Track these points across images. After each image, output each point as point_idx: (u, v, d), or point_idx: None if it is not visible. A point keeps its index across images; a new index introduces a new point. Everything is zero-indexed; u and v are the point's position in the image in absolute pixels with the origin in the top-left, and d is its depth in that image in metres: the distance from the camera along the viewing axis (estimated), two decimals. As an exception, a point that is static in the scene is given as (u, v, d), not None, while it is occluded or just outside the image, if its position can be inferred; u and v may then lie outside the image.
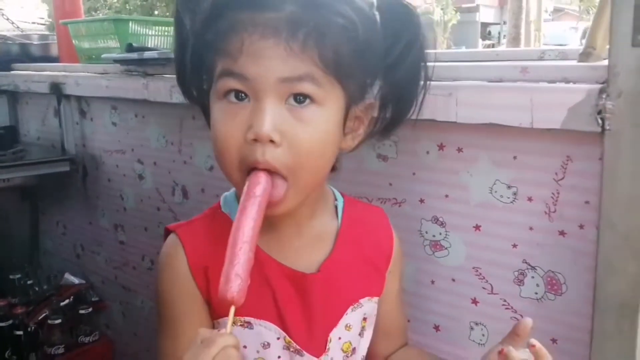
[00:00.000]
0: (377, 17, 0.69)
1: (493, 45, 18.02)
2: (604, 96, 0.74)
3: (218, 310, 0.73)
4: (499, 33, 16.51)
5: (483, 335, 0.97)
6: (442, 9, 16.20)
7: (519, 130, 0.84)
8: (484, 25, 19.17)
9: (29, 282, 1.95)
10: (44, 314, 1.77)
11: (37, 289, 1.93)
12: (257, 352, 0.72)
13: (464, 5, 17.31)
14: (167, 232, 0.77)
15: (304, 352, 0.73)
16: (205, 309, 0.74)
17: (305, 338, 0.73)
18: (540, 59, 1.24)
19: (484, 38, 18.91)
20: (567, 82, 0.81)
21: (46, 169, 1.75)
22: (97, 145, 1.80)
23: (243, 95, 0.64)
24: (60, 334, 1.76)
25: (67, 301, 1.84)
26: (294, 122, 0.64)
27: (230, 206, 0.77)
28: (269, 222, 0.71)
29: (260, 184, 0.65)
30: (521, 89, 0.82)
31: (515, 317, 0.93)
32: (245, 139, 0.64)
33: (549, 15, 19.17)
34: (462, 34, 16.93)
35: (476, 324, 0.97)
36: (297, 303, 0.73)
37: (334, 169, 0.75)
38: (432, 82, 0.86)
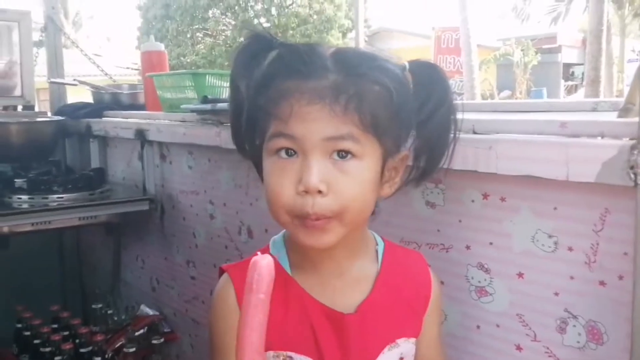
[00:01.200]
0: (410, 78, 0.77)
1: (576, 86, 17.53)
2: (635, 152, 0.77)
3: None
4: (582, 74, 16.09)
5: (527, 381, 0.98)
6: (522, 49, 15.98)
7: (558, 182, 0.88)
8: (567, 65, 18.71)
9: (109, 311, 2.10)
10: (120, 342, 1.90)
11: (115, 318, 2.08)
12: None
13: (545, 46, 17.00)
14: (221, 271, 0.86)
15: None
16: None
17: None
18: (594, 110, 1.26)
19: (566, 79, 18.44)
20: (604, 137, 0.84)
21: (129, 207, 1.91)
22: (175, 186, 1.94)
23: (292, 151, 0.74)
24: (133, 362, 1.88)
25: (141, 331, 1.97)
26: (338, 174, 0.73)
27: (278, 249, 0.85)
28: (312, 263, 0.79)
29: (260, 269, 0.73)
30: (557, 143, 0.86)
31: (557, 365, 0.94)
32: (296, 190, 0.73)
33: (637, 55, 18.46)
34: (544, 75, 16.60)
35: (520, 370, 0.99)
36: (335, 341, 0.80)
37: (373, 213, 0.82)
38: (474, 136, 0.92)
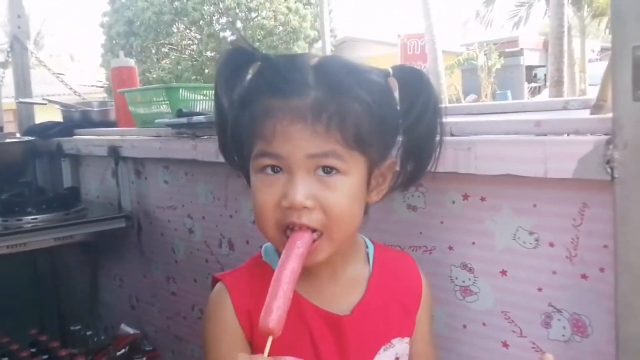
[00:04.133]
0: (394, 84, 0.78)
1: (539, 88, 17.89)
2: (611, 147, 0.80)
3: (258, 350, 0.80)
4: (545, 75, 16.44)
5: (515, 378, 1.00)
6: (485, 54, 16.26)
7: (536, 180, 0.90)
8: (530, 68, 19.09)
9: (88, 333, 2.05)
10: (102, 363, 1.87)
11: (95, 339, 2.04)
12: None
13: (508, 50, 17.33)
14: (215, 280, 0.86)
15: None
16: (247, 349, 0.81)
17: None
18: (564, 108, 1.29)
19: (529, 81, 18.80)
20: (578, 134, 0.87)
21: (105, 225, 1.88)
22: (151, 202, 1.92)
23: (278, 168, 0.74)
24: (116, 383, 1.85)
25: (122, 350, 1.93)
26: (323, 189, 0.74)
27: (271, 256, 0.85)
28: (307, 270, 0.79)
29: (302, 239, 0.74)
30: (534, 141, 0.88)
31: (544, 360, 0.96)
32: (281, 206, 0.73)
33: (597, 55, 18.95)
34: (508, 77, 16.91)
35: (508, 366, 1.01)
36: (332, 343, 0.80)
37: (365, 214, 0.83)
38: (453, 138, 0.94)
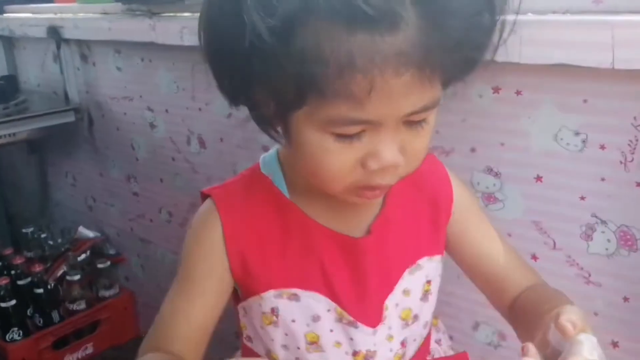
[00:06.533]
0: None
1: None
2: None
3: (244, 292, 0.66)
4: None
5: (542, 292, 0.90)
6: None
7: (590, 70, 0.74)
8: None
9: (42, 235, 1.89)
10: (62, 270, 1.72)
11: (51, 242, 1.87)
12: (307, 325, 0.66)
13: None
14: (203, 195, 0.69)
15: (358, 324, 0.66)
16: (231, 286, 0.67)
17: (358, 308, 0.66)
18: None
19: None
20: (653, 12, 0.70)
21: (51, 120, 1.65)
22: (102, 92, 1.69)
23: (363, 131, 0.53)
24: (80, 290, 1.72)
25: (84, 256, 1.79)
26: (412, 139, 0.55)
27: (272, 168, 0.68)
28: (316, 188, 0.61)
29: None
30: (601, 23, 0.71)
31: (581, 275, 0.85)
32: (363, 168, 0.54)
33: None
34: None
35: (535, 280, 0.90)
36: (347, 271, 0.66)
37: None
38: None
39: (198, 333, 0.65)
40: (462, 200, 0.73)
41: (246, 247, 0.65)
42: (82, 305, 1.72)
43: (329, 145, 0.53)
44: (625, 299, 0.82)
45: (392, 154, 0.53)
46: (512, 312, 0.69)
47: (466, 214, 0.73)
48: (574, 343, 0.49)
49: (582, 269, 0.85)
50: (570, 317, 0.50)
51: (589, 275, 0.85)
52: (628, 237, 0.80)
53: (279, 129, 0.59)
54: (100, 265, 1.76)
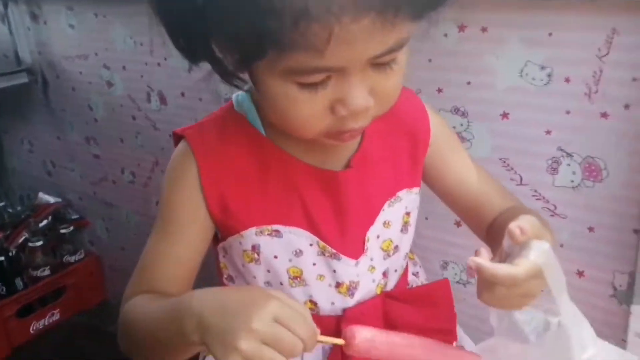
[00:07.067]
0: None
1: None
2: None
3: (225, 233, 0.65)
4: None
5: (510, 228, 0.92)
6: None
7: (555, 3, 0.75)
8: None
9: (0, 203, 1.83)
10: (23, 237, 1.68)
11: (10, 210, 1.82)
12: (290, 260, 0.65)
13: None
14: (177, 137, 0.67)
15: (341, 256, 0.66)
16: (213, 227, 0.66)
17: (340, 241, 0.66)
18: None
19: None
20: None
21: (3, 82, 1.58)
22: (55, 52, 1.62)
23: (326, 77, 0.52)
24: (43, 256, 1.68)
25: (45, 221, 1.74)
26: (381, 79, 0.53)
27: (246, 106, 0.66)
28: None
29: None
30: (565, -48, 0.71)
31: (547, 208, 0.87)
32: (332, 113, 0.53)
33: None
34: None
35: (502, 217, 0.92)
36: (328, 205, 0.66)
37: None
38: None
39: (185, 273, 0.65)
40: (439, 132, 0.73)
41: (224, 187, 0.64)
42: (46, 271, 1.69)
43: (294, 94, 0.52)
44: (590, 229, 0.85)
45: (361, 98, 0.52)
46: (489, 235, 0.70)
47: (443, 145, 0.73)
48: (523, 247, 0.50)
49: (548, 202, 0.87)
50: (520, 223, 0.51)
51: (555, 207, 0.87)
52: (593, 168, 0.82)
53: (245, 76, 0.57)
54: (63, 231, 1.72)
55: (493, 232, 0.69)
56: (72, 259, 1.76)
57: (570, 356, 0.51)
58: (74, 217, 1.79)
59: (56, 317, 1.75)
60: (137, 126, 1.49)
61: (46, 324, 1.73)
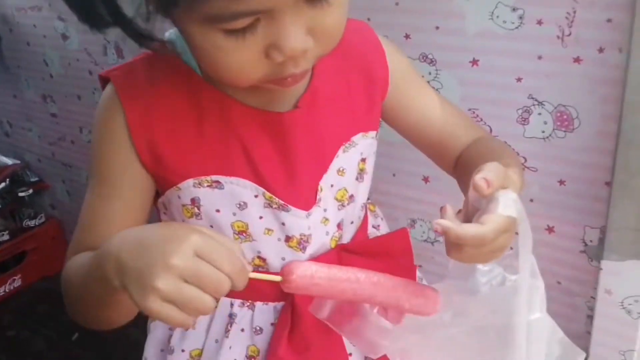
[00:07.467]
0: None
1: None
2: None
3: (163, 186, 0.60)
4: None
5: (479, 182, 0.88)
6: None
7: (528, -63, 0.69)
8: None
9: (-45, 168, 1.75)
10: (-21, 201, 1.61)
11: (-34, 174, 1.74)
12: (234, 214, 0.60)
13: None
14: (103, 79, 0.60)
15: (290, 207, 0.60)
16: (151, 181, 0.60)
17: (289, 191, 0.60)
18: None
19: None
20: None
21: (-51, 36, 1.49)
22: (7, 3, 1.53)
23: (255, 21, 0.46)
24: (1, 220, 1.61)
25: (3, 184, 1.67)
26: (321, 17, 0.47)
27: (179, 46, 0.60)
28: None
29: None
30: None
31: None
32: (270, 59, 0.47)
33: None
34: None
35: (471, 171, 0.88)
36: (274, 151, 0.59)
37: None
38: None
39: None
40: (397, 68, 0.67)
41: (156, 134, 0.57)
42: (5, 236, 1.63)
43: (221, 43, 0.46)
44: (561, 182, 0.81)
45: (297, 40, 0.47)
46: (456, 172, 0.66)
47: (403, 81, 0.67)
48: (490, 200, 0.46)
49: (518, 154, 0.83)
50: (485, 174, 0.47)
51: (525, 160, 0.83)
52: (565, 117, 0.78)
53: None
54: (21, 194, 1.65)
55: (460, 168, 0.65)
56: (32, 223, 1.70)
57: (513, 317, 0.48)
58: (33, 179, 1.71)
59: (18, 283, 1.69)
60: (94, 82, 1.41)
61: (7, 290, 1.67)
